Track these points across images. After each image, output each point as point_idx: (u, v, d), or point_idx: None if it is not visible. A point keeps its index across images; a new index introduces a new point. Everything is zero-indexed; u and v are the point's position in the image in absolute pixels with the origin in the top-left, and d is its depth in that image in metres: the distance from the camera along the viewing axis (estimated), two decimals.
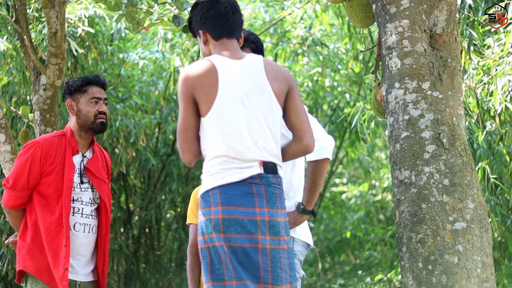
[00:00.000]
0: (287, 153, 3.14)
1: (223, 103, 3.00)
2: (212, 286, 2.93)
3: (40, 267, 3.72)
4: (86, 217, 3.84)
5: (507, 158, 6.01)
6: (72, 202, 3.78)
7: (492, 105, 5.80)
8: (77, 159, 3.86)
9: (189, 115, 3.02)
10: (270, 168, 3.03)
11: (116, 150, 8.87)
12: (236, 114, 3.01)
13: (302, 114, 3.11)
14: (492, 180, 6.11)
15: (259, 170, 3.01)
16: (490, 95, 5.88)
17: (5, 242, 4.14)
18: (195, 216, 4.07)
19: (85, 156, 3.90)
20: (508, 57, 5.59)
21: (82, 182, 3.84)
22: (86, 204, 3.84)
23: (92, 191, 3.88)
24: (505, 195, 6.30)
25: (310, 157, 3.54)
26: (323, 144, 3.59)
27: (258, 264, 2.95)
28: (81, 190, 3.83)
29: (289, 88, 3.12)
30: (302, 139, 3.10)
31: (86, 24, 7.72)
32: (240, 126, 3.00)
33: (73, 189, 3.79)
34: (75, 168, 3.82)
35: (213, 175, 3.00)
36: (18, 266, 3.77)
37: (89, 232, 3.84)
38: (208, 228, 2.96)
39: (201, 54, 3.26)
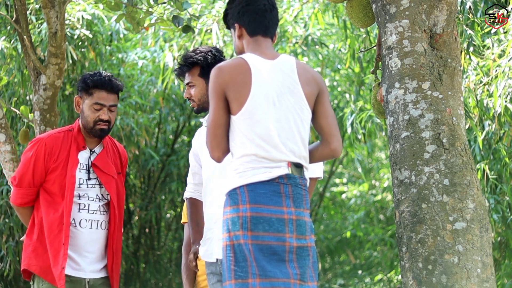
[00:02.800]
0: (314, 156, 3.16)
1: (255, 102, 3.01)
2: (234, 284, 2.94)
3: (44, 266, 3.68)
4: (93, 213, 3.77)
5: (506, 159, 6.02)
6: (78, 198, 3.73)
7: (492, 105, 5.80)
8: (84, 155, 3.80)
9: (220, 112, 3.03)
10: (297, 169, 3.05)
11: None
12: (266, 114, 3.02)
13: (331, 118, 3.14)
14: (491, 180, 6.13)
15: (287, 170, 3.02)
16: (490, 96, 5.89)
17: (20, 239, 4.13)
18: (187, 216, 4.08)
19: (94, 152, 3.83)
20: (509, 60, 5.59)
21: (89, 179, 3.78)
22: (93, 200, 3.78)
23: (100, 187, 3.82)
24: (505, 194, 6.31)
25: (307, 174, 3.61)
26: (320, 164, 3.67)
27: (285, 262, 2.97)
28: (87, 187, 3.77)
29: (319, 91, 3.14)
30: (330, 143, 3.12)
31: (84, 25, 7.72)
32: (269, 126, 3.02)
33: (78, 185, 3.74)
34: (78, 164, 3.76)
35: (241, 173, 3.01)
36: (23, 265, 3.73)
37: (97, 228, 3.78)
38: (236, 226, 2.97)
39: (233, 47, 3.26)
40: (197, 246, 3.75)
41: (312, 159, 3.16)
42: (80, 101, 3.81)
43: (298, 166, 3.05)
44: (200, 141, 3.78)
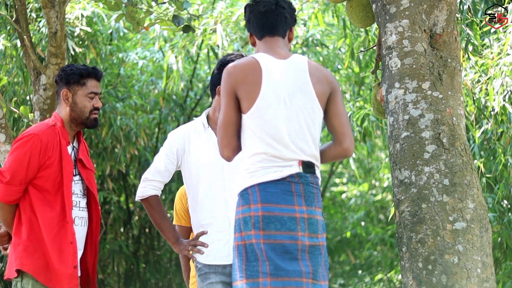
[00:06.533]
0: (326, 155, 3.17)
1: (265, 101, 3.03)
2: (246, 283, 2.96)
3: (37, 266, 3.57)
4: (82, 210, 3.73)
5: (502, 157, 6.03)
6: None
7: (490, 104, 5.81)
8: (69, 150, 3.73)
9: (230, 110, 3.05)
10: (308, 167, 3.06)
11: (116, 150, 8.87)
12: (277, 113, 3.03)
13: (343, 117, 3.15)
14: (485, 178, 6.14)
15: (298, 169, 3.03)
16: (487, 95, 5.89)
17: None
18: (181, 217, 4.05)
19: (74, 147, 3.78)
20: (506, 57, 5.60)
21: (74, 174, 3.73)
22: (79, 197, 3.73)
23: (82, 183, 3.76)
24: (503, 192, 6.32)
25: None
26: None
27: (298, 261, 2.98)
28: (75, 183, 3.72)
29: (332, 91, 3.15)
30: (342, 142, 3.13)
31: (84, 23, 7.72)
32: (280, 125, 3.03)
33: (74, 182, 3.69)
34: (72, 160, 3.70)
35: (252, 173, 3.03)
36: (15, 265, 3.60)
37: (84, 226, 3.74)
38: (247, 225, 2.99)
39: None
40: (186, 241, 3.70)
41: (325, 159, 3.17)
42: (70, 93, 3.75)
43: (310, 165, 3.06)
44: (190, 143, 3.76)
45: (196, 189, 3.70)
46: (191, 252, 3.67)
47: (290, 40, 3.21)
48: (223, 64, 3.72)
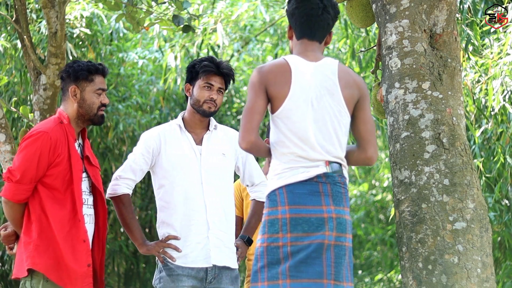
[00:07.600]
0: (349, 160, 3.17)
1: (293, 102, 3.03)
2: (267, 285, 2.97)
3: (48, 264, 3.54)
4: (89, 207, 3.71)
5: (501, 157, 6.03)
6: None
7: (489, 104, 5.82)
8: (76, 147, 3.70)
9: (259, 101, 3.04)
10: (335, 167, 3.05)
11: (117, 151, 8.87)
12: (304, 115, 3.04)
13: (369, 124, 3.14)
14: (485, 179, 6.14)
15: (325, 169, 3.03)
16: (487, 95, 5.90)
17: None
18: (237, 208, 4.14)
19: (80, 144, 3.75)
20: (506, 57, 5.60)
21: (82, 172, 3.70)
22: (87, 194, 3.70)
23: (89, 180, 3.73)
24: (503, 192, 6.32)
25: (261, 198, 3.80)
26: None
27: (322, 260, 2.98)
28: (82, 180, 3.68)
29: (360, 97, 3.13)
30: (366, 149, 3.13)
31: (83, 24, 7.72)
32: (307, 126, 3.03)
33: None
34: (80, 157, 3.68)
35: (279, 174, 3.03)
36: (27, 264, 3.56)
37: (91, 223, 3.71)
38: (274, 227, 2.99)
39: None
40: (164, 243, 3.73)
41: (347, 162, 3.16)
42: (78, 90, 3.70)
43: (337, 164, 3.06)
44: (166, 144, 3.77)
45: (169, 190, 3.72)
46: (160, 254, 3.70)
47: (326, 43, 3.20)
48: (193, 65, 3.79)
